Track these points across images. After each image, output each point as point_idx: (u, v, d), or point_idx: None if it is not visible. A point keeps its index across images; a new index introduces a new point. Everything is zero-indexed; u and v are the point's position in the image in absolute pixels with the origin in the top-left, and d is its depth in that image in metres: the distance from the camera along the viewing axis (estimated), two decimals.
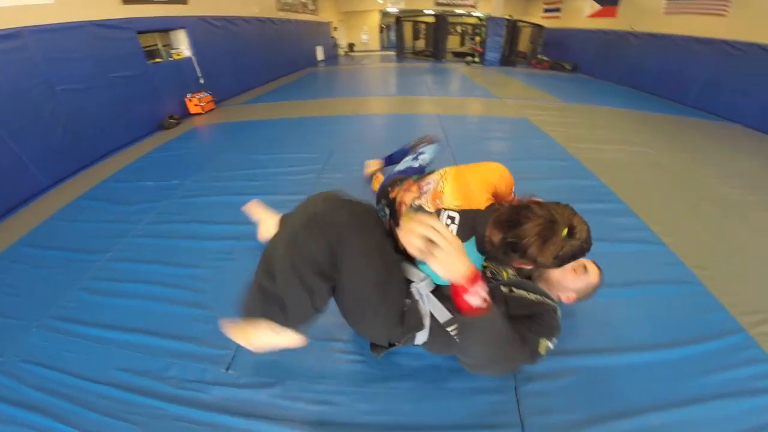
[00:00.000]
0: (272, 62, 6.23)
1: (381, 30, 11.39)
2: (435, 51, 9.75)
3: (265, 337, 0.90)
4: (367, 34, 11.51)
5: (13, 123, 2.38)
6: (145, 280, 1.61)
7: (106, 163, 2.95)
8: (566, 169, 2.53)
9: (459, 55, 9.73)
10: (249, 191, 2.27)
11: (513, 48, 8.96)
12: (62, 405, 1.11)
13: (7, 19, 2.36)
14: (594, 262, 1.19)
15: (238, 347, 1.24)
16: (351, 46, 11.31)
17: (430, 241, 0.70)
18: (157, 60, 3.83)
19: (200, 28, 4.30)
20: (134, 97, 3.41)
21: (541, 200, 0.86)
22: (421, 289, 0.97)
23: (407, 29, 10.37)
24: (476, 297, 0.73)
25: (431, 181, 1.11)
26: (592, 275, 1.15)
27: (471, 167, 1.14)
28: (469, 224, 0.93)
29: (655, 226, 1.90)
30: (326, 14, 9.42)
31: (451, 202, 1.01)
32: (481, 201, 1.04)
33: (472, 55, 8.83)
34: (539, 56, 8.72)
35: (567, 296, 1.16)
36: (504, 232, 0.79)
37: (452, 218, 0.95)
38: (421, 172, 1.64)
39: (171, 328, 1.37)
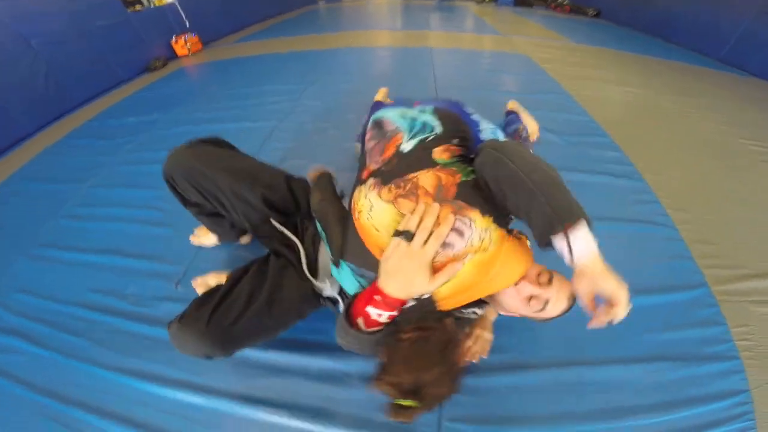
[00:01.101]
0: (264, 0, 5.76)
1: None
2: None
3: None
4: None
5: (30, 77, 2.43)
6: (119, 204, 1.66)
7: (92, 106, 2.89)
8: (554, 102, 2.35)
9: None
10: (224, 120, 2.27)
11: None
12: (40, 329, 1.18)
13: None
14: (568, 292, 0.75)
15: (190, 264, 1.29)
16: None
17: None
18: (137, 8, 3.60)
19: None
20: (116, 45, 3.28)
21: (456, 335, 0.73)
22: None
23: None
24: (377, 316, 0.68)
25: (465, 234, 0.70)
26: (549, 313, 0.76)
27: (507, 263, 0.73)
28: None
29: (638, 162, 1.76)
30: None
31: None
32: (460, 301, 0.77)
33: None
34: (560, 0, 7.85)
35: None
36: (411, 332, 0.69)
37: None
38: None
39: (135, 248, 1.41)
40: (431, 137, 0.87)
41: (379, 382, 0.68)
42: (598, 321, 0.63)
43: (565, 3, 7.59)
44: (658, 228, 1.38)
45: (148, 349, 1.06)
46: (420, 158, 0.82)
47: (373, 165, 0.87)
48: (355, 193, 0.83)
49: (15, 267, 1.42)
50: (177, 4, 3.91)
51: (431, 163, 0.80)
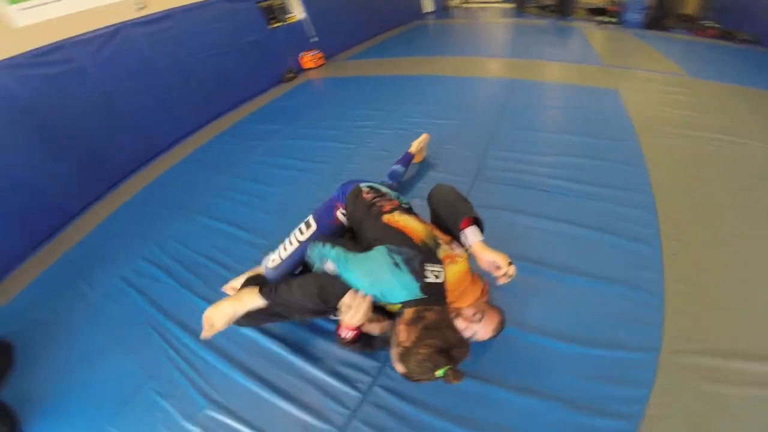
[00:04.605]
0: (377, 16, 6.07)
1: None
2: (561, 6, 8.23)
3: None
4: None
5: (174, 84, 3.26)
6: (244, 192, 2.37)
7: (240, 110, 3.78)
8: (613, 150, 2.20)
9: (595, 12, 7.96)
10: (323, 138, 2.83)
11: (669, 9, 6.79)
12: (175, 266, 1.87)
13: (160, 2, 3.10)
14: (493, 325, 1.14)
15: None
16: None
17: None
18: (276, 24, 4.28)
19: None
20: (260, 57, 4.04)
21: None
22: None
23: None
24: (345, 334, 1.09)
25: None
26: (479, 338, 1.14)
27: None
28: (432, 292, 1.02)
29: (668, 227, 1.63)
30: None
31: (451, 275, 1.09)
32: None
33: (604, 12, 7.19)
34: (703, 22, 6.43)
35: None
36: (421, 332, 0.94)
37: (437, 274, 1.04)
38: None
39: (246, 223, 2.07)
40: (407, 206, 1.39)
41: (417, 353, 0.89)
42: (500, 279, 1.10)
43: (710, 27, 6.26)
44: (644, 294, 1.34)
45: None
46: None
47: (387, 207, 1.27)
48: (386, 215, 1.22)
49: (175, 224, 2.19)
50: (305, 19, 4.57)
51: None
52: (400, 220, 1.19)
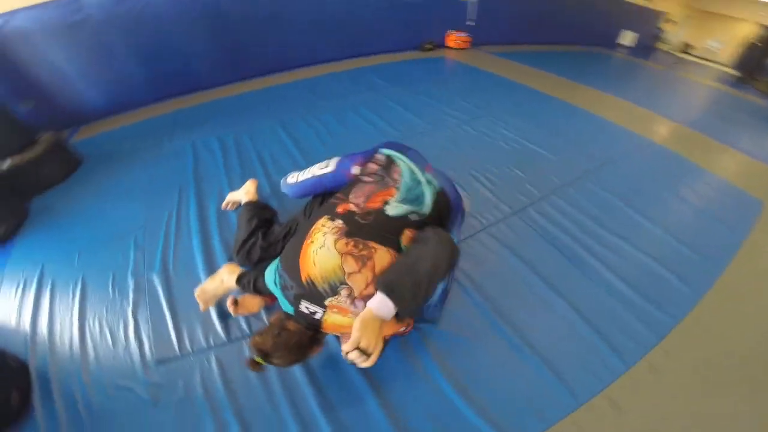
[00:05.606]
0: (558, 26, 5.54)
1: (750, 47, 7.94)
2: None
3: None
4: (719, 43, 8.35)
5: (333, 17, 3.70)
6: (324, 124, 2.65)
7: (374, 58, 4.07)
8: (688, 264, 1.66)
9: None
10: (413, 110, 2.89)
11: None
12: (232, 155, 2.24)
13: None
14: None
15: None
16: (686, 46, 8.60)
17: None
18: None
19: None
20: (412, 20, 4.21)
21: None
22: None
23: None
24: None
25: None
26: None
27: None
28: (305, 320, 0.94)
29: (657, 357, 1.28)
30: (664, 3, 7.35)
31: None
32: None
33: None
34: None
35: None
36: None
37: (313, 312, 0.93)
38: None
39: (306, 148, 2.34)
40: (415, 216, 0.99)
41: (253, 341, 0.93)
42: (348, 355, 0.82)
43: None
44: (568, 396, 1.15)
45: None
46: (391, 232, 0.94)
47: (352, 205, 0.99)
48: (322, 220, 0.96)
49: (258, 124, 2.61)
50: (473, 2, 4.49)
51: (395, 246, 0.93)
52: (317, 237, 0.93)
